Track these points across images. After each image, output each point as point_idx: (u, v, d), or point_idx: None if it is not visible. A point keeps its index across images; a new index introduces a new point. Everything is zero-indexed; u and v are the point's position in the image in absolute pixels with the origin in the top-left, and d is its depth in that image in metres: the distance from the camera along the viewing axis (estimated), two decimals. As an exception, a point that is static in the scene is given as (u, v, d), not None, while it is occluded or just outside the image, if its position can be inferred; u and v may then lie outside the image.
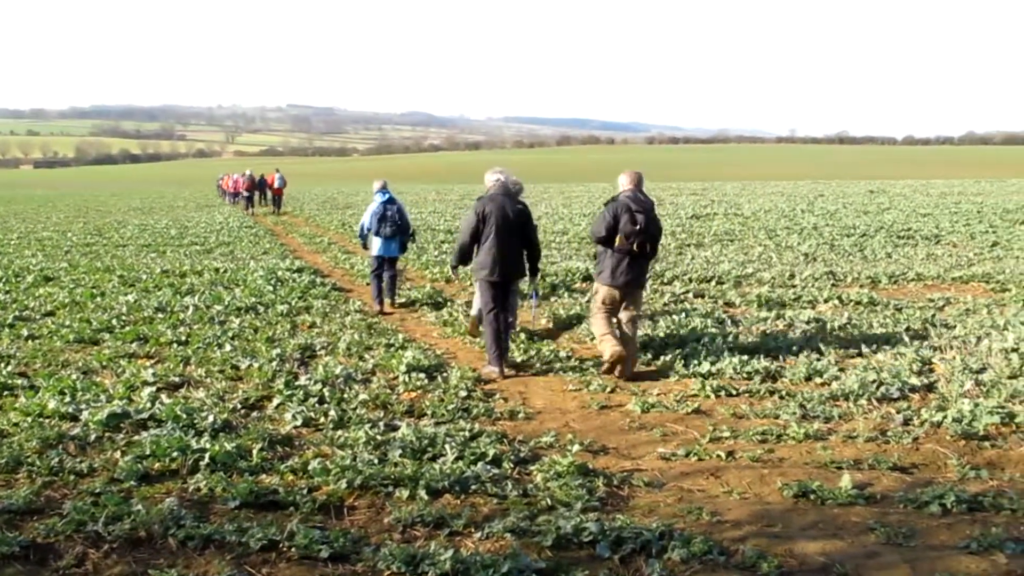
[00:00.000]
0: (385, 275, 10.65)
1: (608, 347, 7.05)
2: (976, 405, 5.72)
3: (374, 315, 10.17)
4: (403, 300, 11.01)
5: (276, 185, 31.83)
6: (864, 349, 7.68)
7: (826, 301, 10.38)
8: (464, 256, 7.72)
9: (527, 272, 7.75)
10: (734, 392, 6.52)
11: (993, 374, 6.59)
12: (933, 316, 9.23)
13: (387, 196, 10.66)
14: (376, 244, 10.66)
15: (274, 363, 7.43)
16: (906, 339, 8.01)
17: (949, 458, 5.01)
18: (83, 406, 6.02)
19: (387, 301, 10.64)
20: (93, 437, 5.40)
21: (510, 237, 7.44)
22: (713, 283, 12.01)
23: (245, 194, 32.72)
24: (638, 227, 7.08)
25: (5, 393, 6.54)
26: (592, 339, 7.85)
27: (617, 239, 7.14)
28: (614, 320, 7.36)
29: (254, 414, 6.07)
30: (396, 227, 10.57)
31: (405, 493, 4.47)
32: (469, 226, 7.50)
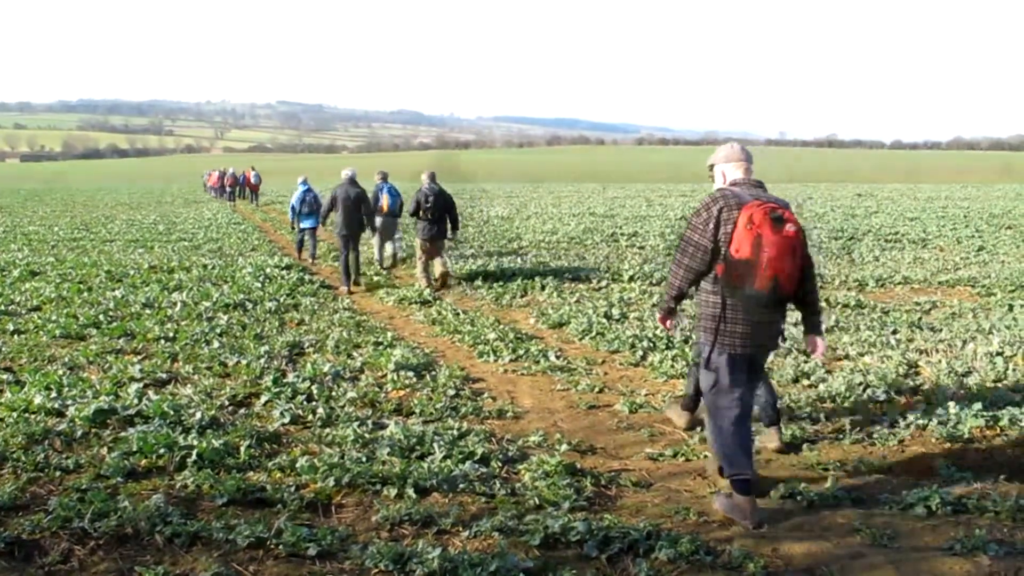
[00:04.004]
0: (308, 240, 15.99)
1: (421, 282, 11.83)
2: (961, 408, 5.76)
3: (296, 262, 14.92)
4: (394, 292, 11.09)
5: (253, 181, 35.99)
6: (851, 352, 7.72)
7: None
8: (325, 219, 13.33)
9: (365, 229, 12.57)
10: (722, 393, 6.52)
11: (978, 377, 6.65)
12: (919, 319, 9.29)
13: (307, 187, 15.89)
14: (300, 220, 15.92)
15: (262, 360, 7.41)
16: (893, 342, 8.06)
17: (934, 460, 5.04)
18: (69, 402, 5.99)
19: (309, 260, 15.61)
20: (79, 433, 5.37)
21: (350, 210, 12.13)
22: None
23: (228, 189, 37.05)
24: (429, 205, 11.76)
25: (-10, 388, 6.49)
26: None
27: (421, 213, 11.73)
28: (430, 265, 12.03)
29: (242, 411, 6.05)
30: (311, 208, 15.60)
31: (393, 491, 4.46)
32: (328, 202, 12.58)
